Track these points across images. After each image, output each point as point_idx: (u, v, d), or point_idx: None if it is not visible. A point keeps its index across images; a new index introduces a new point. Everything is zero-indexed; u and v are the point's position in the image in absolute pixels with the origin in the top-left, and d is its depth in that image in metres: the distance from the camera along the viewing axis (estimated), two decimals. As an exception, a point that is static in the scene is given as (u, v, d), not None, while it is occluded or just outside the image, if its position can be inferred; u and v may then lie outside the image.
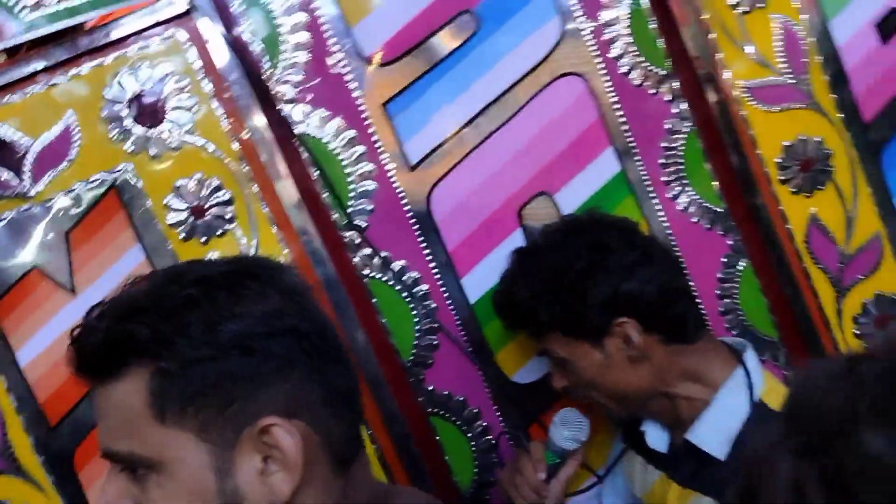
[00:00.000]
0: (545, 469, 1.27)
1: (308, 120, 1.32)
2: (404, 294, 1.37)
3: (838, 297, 1.51)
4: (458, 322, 1.39)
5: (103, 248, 1.27)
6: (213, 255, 1.29)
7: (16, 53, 1.25)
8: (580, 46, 1.40)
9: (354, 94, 1.33)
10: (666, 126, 1.44)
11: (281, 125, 1.31)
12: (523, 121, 1.39)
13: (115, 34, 1.25)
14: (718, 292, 1.48)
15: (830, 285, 1.50)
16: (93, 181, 1.26)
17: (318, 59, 1.32)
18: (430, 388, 1.39)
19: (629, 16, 1.41)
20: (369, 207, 1.35)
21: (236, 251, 1.30)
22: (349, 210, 1.34)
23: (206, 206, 1.29)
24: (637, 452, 1.35)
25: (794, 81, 1.47)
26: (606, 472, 1.38)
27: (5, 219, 1.25)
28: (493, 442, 1.42)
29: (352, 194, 1.34)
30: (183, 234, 1.28)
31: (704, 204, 1.46)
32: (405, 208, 1.36)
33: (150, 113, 1.27)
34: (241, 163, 1.30)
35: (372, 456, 1.36)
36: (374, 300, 1.36)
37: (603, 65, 1.41)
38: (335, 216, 1.34)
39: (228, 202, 1.29)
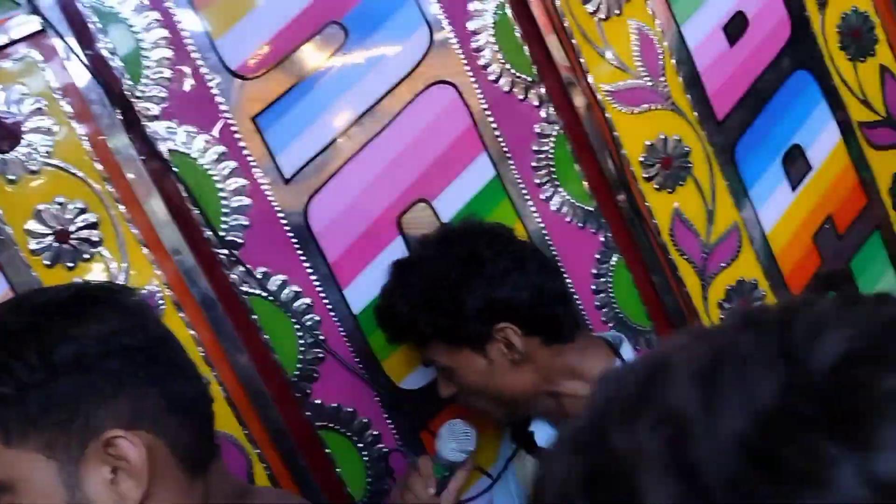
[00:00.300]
0: (435, 483, 1.27)
1: (175, 137, 1.28)
2: (285, 309, 1.34)
3: (703, 285, 1.58)
4: (343, 333, 1.38)
5: (-41, 279, 1.18)
6: (81, 279, 1.23)
7: None
8: (449, 55, 1.42)
9: (222, 109, 1.30)
10: (536, 130, 1.47)
11: (146, 143, 1.26)
12: (397, 130, 1.39)
13: (-38, 54, 1.17)
14: (594, 287, 1.52)
15: (696, 274, 1.57)
16: (-56, 210, 1.18)
17: (182, 74, 1.28)
18: (318, 401, 1.37)
19: (494, 24, 1.43)
20: (245, 223, 1.31)
21: (106, 275, 1.24)
22: (224, 226, 1.30)
23: (71, 230, 1.22)
24: (528, 453, 1.37)
25: (652, 84, 1.53)
26: (499, 475, 1.40)
27: None
28: (385, 451, 1.42)
29: (225, 210, 1.31)
30: (48, 261, 1.21)
31: (576, 203, 1.50)
32: (282, 222, 1.33)
33: (6, 136, 1.19)
34: (106, 183, 1.24)
35: (261, 474, 1.33)
36: (254, 317, 1.33)
37: (472, 73, 1.43)
38: (209, 234, 1.30)
39: (94, 225, 1.24)
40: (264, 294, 1.33)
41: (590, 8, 1.48)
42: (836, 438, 0.30)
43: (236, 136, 1.30)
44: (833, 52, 1.69)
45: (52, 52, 1.21)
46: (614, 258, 1.53)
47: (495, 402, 1.27)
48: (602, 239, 1.52)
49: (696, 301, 1.58)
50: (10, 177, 1.20)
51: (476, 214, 1.43)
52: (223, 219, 1.30)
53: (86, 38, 1.23)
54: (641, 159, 1.53)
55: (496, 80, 1.44)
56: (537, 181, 1.48)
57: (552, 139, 1.48)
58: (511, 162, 1.46)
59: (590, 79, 1.49)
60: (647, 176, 1.53)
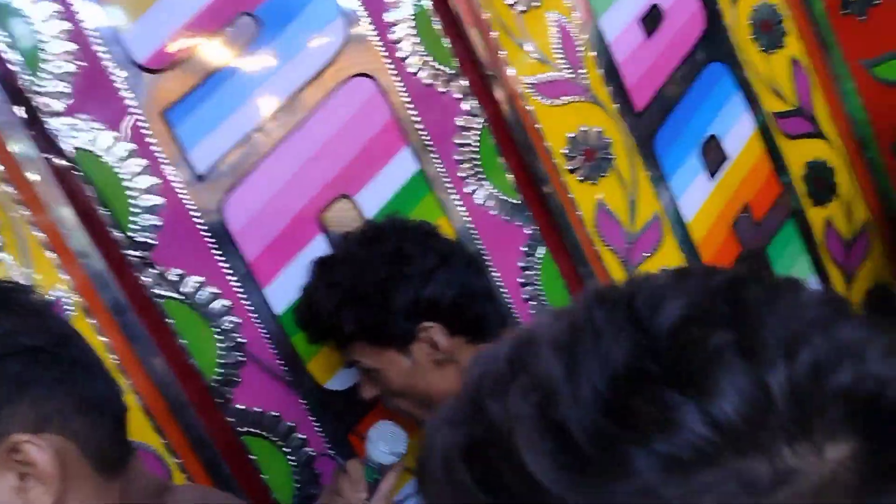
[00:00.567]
0: (366, 487, 1.23)
1: (79, 134, 1.20)
2: (203, 312, 1.28)
3: (628, 274, 1.58)
4: (266, 335, 1.32)
5: None
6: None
7: None
8: (367, 48, 1.38)
9: (129, 104, 1.22)
10: (458, 123, 1.45)
11: (49, 141, 1.18)
12: (316, 124, 1.34)
13: None
14: (521, 280, 1.50)
15: (621, 265, 1.57)
16: None
17: (86, 68, 1.20)
18: (241, 406, 1.31)
19: (413, 16, 1.40)
20: (157, 223, 1.25)
21: (6, 282, 1.15)
22: (134, 227, 1.23)
23: (-34, 235, 1.14)
24: None
25: (573, 76, 1.53)
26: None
27: None
28: (313, 454, 1.36)
29: (135, 210, 1.23)
30: (-59, 268, 1.12)
31: (501, 197, 1.48)
32: (197, 221, 1.27)
33: None
34: (6, 185, 1.15)
35: (181, 482, 1.26)
36: (169, 321, 1.26)
37: (392, 65, 1.39)
38: (118, 235, 1.23)
39: (-8, 229, 1.15)
40: (179, 297, 1.27)
41: (508, 0, 1.46)
42: (678, 388, 0.34)
43: (145, 132, 1.24)
44: (745, 45, 1.72)
45: (-60, 44, 1.12)
46: (541, 250, 1.52)
47: (418, 403, 1.23)
48: (528, 232, 1.51)
49: (621, 291, 1.57)
50: None
51: (400, 210, 1.39)
52: (133, 219, 1.23)
53: (-21, 32, 1.15)
54: (564, 151, 1.52)
55: (416, 73, 1.41)
56: (461, 175, 1.45)
57: (475, 132, 1.46)
58: (434, 156, 1.43)
59: (510, 71, 1.47)
60: (570, 168, 1.52)
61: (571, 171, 1.52)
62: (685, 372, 0.35)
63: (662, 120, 1.61)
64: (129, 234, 1.23)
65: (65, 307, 1.19)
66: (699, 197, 1.65)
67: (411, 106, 1.41)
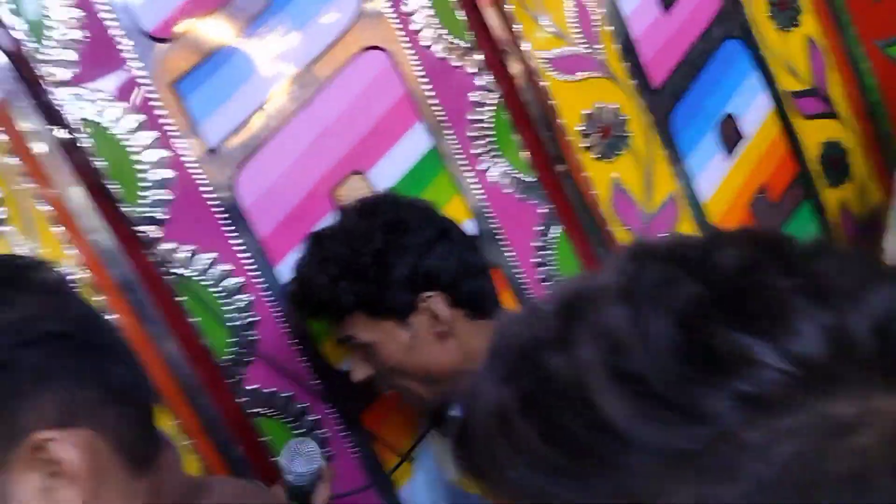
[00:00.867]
0: None
1: (86, 104, 1.15)
2: (215, 289, 1.23)
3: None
4: (278, 314, 1.28)
5: None
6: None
7: None
8: (380, 20, 1.33)
9: (138, 74, 1.18)
10: (473, 99, 1.40)
11: (54, 112, 1.14)
12: (328, 98, 1.30)
13: None
14: (536, 260, 1.46)
15: (637, 245, 1.53)
16: None
17: (93, 37, 1.15)
18: (253, 387, 1.27)
19: (427, -12, 1.35)
20: (167, 198, 1.20)
21: (12, 257, 1.11)
22: (143, 202, 1.19)
23: (-30, 209, 1.09)
24: (446, 437, 1.30)
25: (589, 51, 1.48)
26: (408, 452, 1.32)
27: None
28: (325, 436, 1.32)
29: (144, 185, 1.19)
30: (-57, 242, 1.08)
31: (515, 174, 1.44)
32: (208, 196, 1.23)
33: None
34: (10, 157, 1.11)
35: (194, 466, 1.22)
36: (180, 299, 1.22)
37: (406, 38, 1.35)
38: (127, 210, 1.18)
39: (-3, 202, 1.10)
40: (191, 274, 1.22)
41: (524, -27, 1.42)
42: (751, 330, 0.33)
43: (154, 103, 1.19)
44: (761, 22, 1.68)
45: (-59, 11, 1.08)
46: (556, 230, 1.47)
47: (418, 380, 1.18)
48: (543, 211, 1.46)
49: (637, 272, 1.53)
50: None
51: (413, 188, 1.35)
52: (142, 193, 1.19)
53: (-18, -1, 1.10)
54: (580, 129, 1.47)
55: (430, 47, 1.37)
56: (475, 152, 1.41)
57: (490, 108, 1.41)
58: (448, 132, 1.38)
59: (526, 46, 1.43)
60: (585, 145, 1.48)
61: (587, 149, 1.48)
62: (756, 315, 0.34)
63: (679, 97, 1.57)
64: (139, 208, 1.18)
65: (72, 284, 1.14)
66: (716, 176, 1.61)
67: (425, 80, 1.36)
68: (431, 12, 1.36)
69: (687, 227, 1.58)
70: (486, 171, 1.41)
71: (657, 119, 1.55)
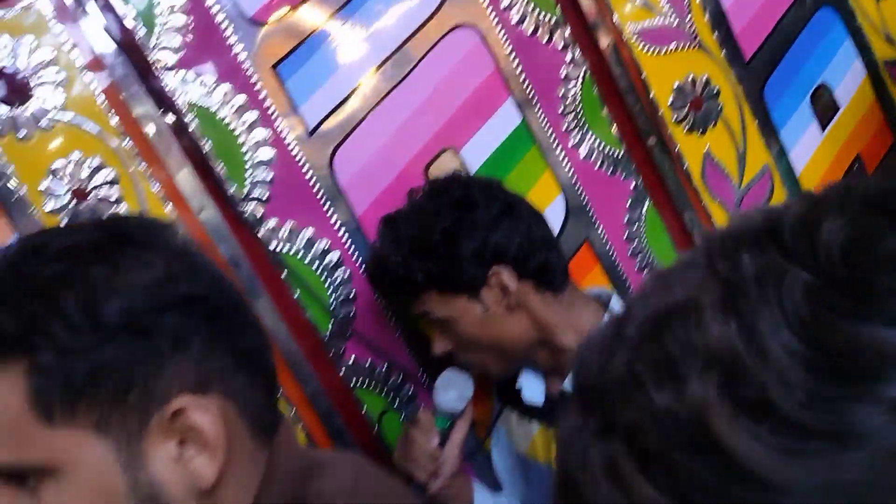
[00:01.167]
0: (437, 435, 1.21)
1: (193, 88, 1.19)
2: (315, 265, 1.26)
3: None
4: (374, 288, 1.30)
5: (-26, 243, 1.10)
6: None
7: None
8: (470, -2, 1.33)
9: (241, 58, 1.21)
10: (562, 74, 1.39)
11: (163, 95, 1.17)
12: (421, 77, 1.31)
13: (-37, 5, 1.08)
14: (627, 235, 1.44)
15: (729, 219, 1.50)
16: (-46, 171, 1.09)
17: (198, 22, 1.19)
18: (352, 359, 1.29)
19: (515, -36, 1.34)
20: (268, 177, 1.23)
21: (128, 235, 1.15)
22: (248, 181, 1.22)
23: (89, 189, 1.14)
24: (516, 409, 1.30)
25: (679, 22, 1.45)
26: (487, 432, 1.34)
27: None
28: (421, 406, 1.34)
29: (248, 164, 1.22)
30: (66, 221, 1.13)
31: (605, 149, 1.42)
32: (307, 175, 1.25)
33: (15, 90, 1.10)
34: (124, 139, 1.15)
35: (298, 435, 1.25)
36: (283, 275, 1.25)
37: (494, 15, 1.34)
38: (232, 189, 1.21)
39: (113, 182, 1.15)
40: (293, 251, 1.25)
41: (613, -55, 1.40)
42: (885, 315, 0.28)
43: (256, 86, 1.22)
44: (856, -11, 1.62)
45: (60, 1, 1.12)
46: (646, 205, 1.45)
47: (493, 352, 1.20)
48: (633, 186, 1.44)
49: (729, 246, 1.50)
50: (22, 133, 1.11)
51: (504, 164, 1.35)
52: (247, 173, 1.22)
53: (93, -12, 1.14)
54: (670, 102, 1.44)
55: (519, 23, 1.36)
56: (565, 127, 1.40)
57: (579, 83, 1.40)
58: (537, 107, 1.38)
59: (615, 18, 1.40)
60: (677, 118, 1.45)
61: (678, 122, 1.45)
62: (883, 297, 0.29)
63: (772, 68, 1.53)
64: (244, 187, 1.21)
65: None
66: (810, 148, 1.56)
67: (514, 56, 1.36)
68: (520, -12, 1.35)
69: (781, 200, 1.54)
70: (575, 145, 1.40)
71: (749, 90, 1.51)
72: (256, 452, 0.64)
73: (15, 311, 0.57)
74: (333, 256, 1.27)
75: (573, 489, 0.34)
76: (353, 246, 1.28)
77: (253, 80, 1.22)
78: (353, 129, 1.28)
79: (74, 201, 1.13)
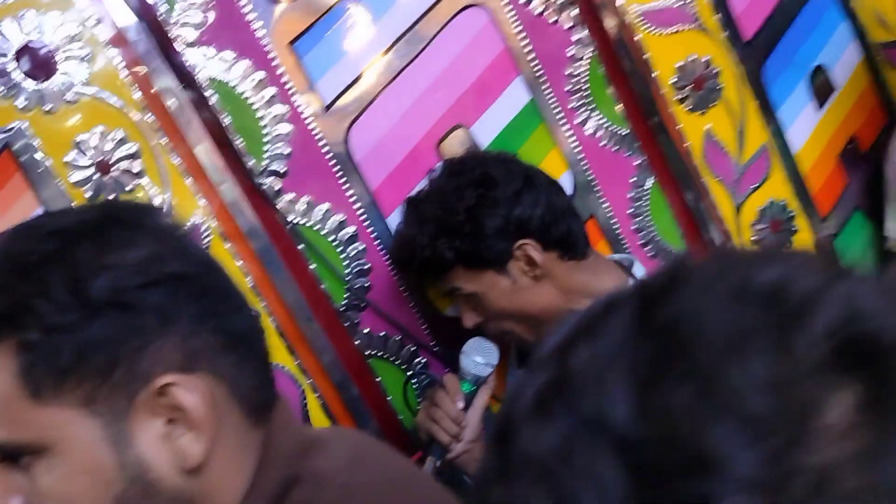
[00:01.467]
0: (463, 398, 1.24)
1: (213, 63, 1.21)
2: (331, 238, 1.29)
3: (736, 206, 1.54)
4: (388, 261, 1.33)
5: (1, 213, 1.12)
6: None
7: None
8: (480, -22, 1.36)
9: (259, 34, 1.23)
10: (569, 53, 1.42)
11: (184, 70, 1.20)
12: (432, 55, 1.34)
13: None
14: (630, 211, 1.48)
15: (728, 196, 1.54)
16: (-18, 143, 1.11)
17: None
18: (366, 330, 1.32)
19: (524, -55, 1.37)
20: (286, 151, 1.26)
21: (150, 206, 1.18)
22: (266, 155, 1.24)
23: (112, 161, 1.16)
24: None
25: (681, 4, 1.48)
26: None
27: None
28: (433, 377, 1.37)
29: (266, 139, 1.25)
30: (90, 193, 1.15)
31: (611, 127, 1.46)
32: (324, 150, 1.28)
33: (40, 65, 1.12)
34: (146, 113, 1.17)
35: (315, 404, 1.28)
36: (300, 247, 1.28)
37: (504, -5, 1.37)
38: (251, 163, 1.24)
39: (135, 155, 1.17)
40: (309, 223, 1.28)
41: (618, -72, 1.43)
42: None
43: (274, 62, 1.24)
44: (852, -28, 1.65)
45: (82, -22, 1.14)
46: (649, 182, 1.49)
47: (523, 322, 1.25)
48: (637, 163, 1.48)
49: (728, 222, 1.54)
50: (48, 107, 1.13)
51: (512, 141, 1.38)
52: (265, 147, 1.25)
53: (115, -34, 1.16)
54: (673, 81, 1.48)
55: (528, 3, 1.39)
56: (572, 105, 1.43)
57: (585, 62, 1.43)
58: (546, 86, 1.41)
59: (620, 0, 1.44)
60: (678, 98, 1.49)
61: (680, 101, 1.49)
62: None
63: (770, 49, 1.56)
64: (263, 161, 1.24)
65: (203, 232, 1.21)
66: (807, 128, 1.60)
67: (523, 36, 1.39)
68: (529, -31, 1.38)
69: (778, 178, 1.58)
70: (582, 123, 1.44)
71: (749, 71, 1.54)
72: (249, 433, 0.64)
73: (4, 292, 0.59)
74: (349, 230, 1.30)
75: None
76: (368, 220, 1.31)
77: (271, 56, 1.24)
78: (368, 105, 1.30)
79: (98, 174, 1.15)
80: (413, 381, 1.36)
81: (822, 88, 1.62)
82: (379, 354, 1.33)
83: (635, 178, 1.48)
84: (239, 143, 1.23)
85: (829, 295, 0.32)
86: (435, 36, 1.34)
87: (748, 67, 1.54)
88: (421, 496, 0.71)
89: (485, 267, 1.22)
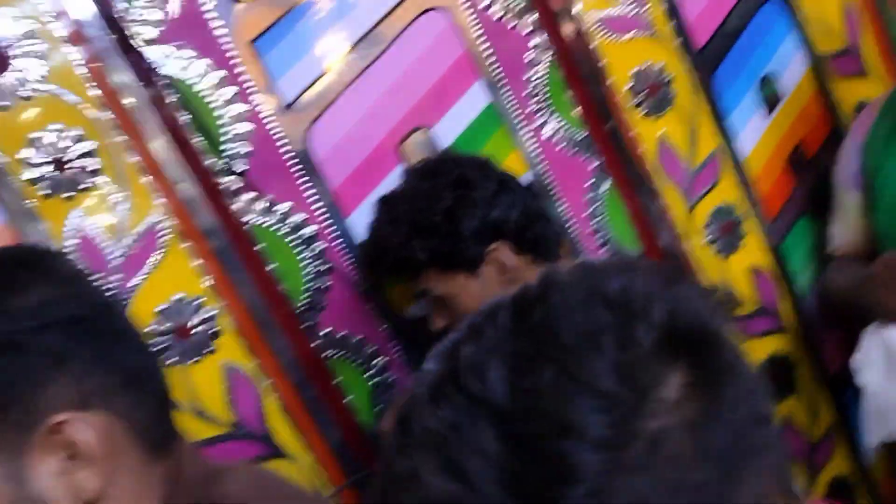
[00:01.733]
0: None
1: (172, 62, 1.20)
2: (291, 238, 1.29)
3: (689, 208, 1.58)
4: (348, 262, 1.33)
5: (-49, 211, 1.09)
6: (80, 210, 1.15)
7: None
8: (441, -19, 1.37)
9: (219, 32, 1.22)
10: (527, 58, 1.44)
11: (143, 68, 1.18)
12: (393, 56, 1.34)
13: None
14: (588, 213, 1.51)
15: (681, 199, 1.57)
16: (-70, 139, 1.08)
17: (176, -3, 1.20)
18: (326, 331, 1.32)
19: (484, -49, 1.39)
20: (246, 150, 1.25)
21: (106, 204, 1.16)
22: (225, 154, 1.24)
23: (68, 159, 1.14)
24: None
25: (636, 11, 1.52)
26: None
27: None
28: (393, 379, 1.38)
29: (226, 137, 1.24)
30: (45, 191, 1.13)
31: (568, 131, 1.48)
32: (283, 149, 1.28)
33: (-8, 60, 1.10)
34: (103, 110, 1.16)
35: (273, 406, 1.27)
36: (259, 247, 1.27)
37: (464, -1, 1.39)
38: (210, 162, 1.23)
39: (92, 153, 1.16)
40: (269, 223, 1.27)
41: (575, -64, 1.45)
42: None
43: (234, 61, 1.24)
44: (799, -16, 1.71)
45: (38, -28, 1.12)
46: (606, 184, 1.52)
47: None
48: (594, 166, 1.51)
49: (681, 225, 1.58)
50: (2, 103, 1.11)
51: (473, 143, 1.40)
52: (224, 146, 1.24)
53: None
54: (629, 87, 1.51)
55: (488, 8, 1.41)
56: (531, 109, 1.45)
57: (544, 67, 1.45)
58: (505, 89, 1.43)
59: (577, 7, 1.46)
60: (634, 103, 1.52)
61: (635, 107, 1.52)
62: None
63: (721, 57, 1.61)
64: (222, 160, 1.23)
65: (160, 231, 1.20)
66: (755, 134, 1.65)
67: (483, 40, 1.40)
68: (488, -26, 1.39)
69: (728, 183, 1.62)
70: (540, 127, 1.46)
71: (701, 78, 1.58)
72: (149, 466, 0.67)
73: None
74: (309, 230, 1.30)
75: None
76: (328, 220, 1.31)
77: (231, 54, 1.23)
78: (329, 105, 1.30)
79: (54, 171, 1.13)
80: (373, 381, 1.36)
81: (770, 96, 1.67)
82: (338, 355, 1.33)
83: (592, 181, 1.51)
84: (198, 141, 1.22)
85: (662, 297, 0.41)
86: (396, 38, 1.35)
87: (700, 75, 1.58)
88: None
89: (457, 269, 1.21)
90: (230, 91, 1.23)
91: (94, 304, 0.68)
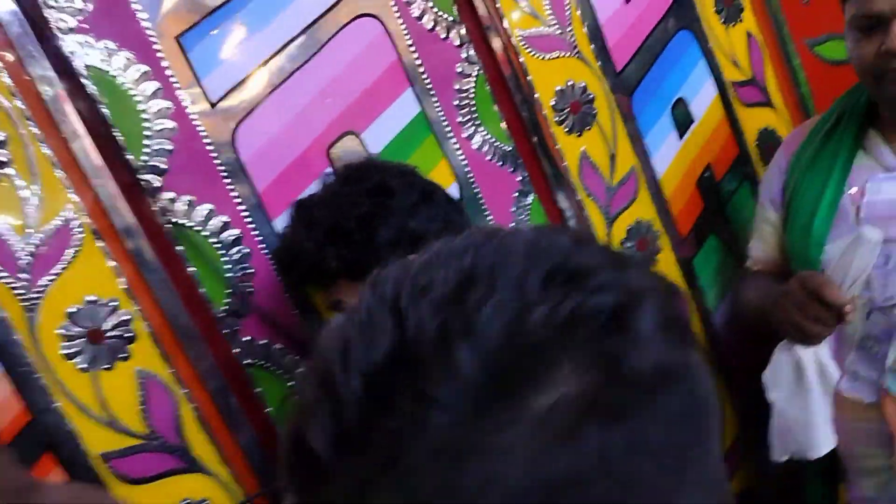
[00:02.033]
0: None
1: (92, 52, 1.14)
2: (213, 240, 1.24)
3: (608, 224, 1.62)
4: (274, 267, 1.29)
5: None
6: (-15, 205, 1.07)
7: None
8: (374, -11, 1.36)
9: (144, 25, 1.17)
10: (457, 69, 1.45)
11: (60, 58, 1.12)
12: (325, 60, 1.32)
13: None
14: (513, 224, 1.52)
15: (601, 214, 1.61)
16: None
17: (98, -15, 1.14)
18: (247, 338, 1.27)
19: (416, -38, 1.39)
20: (168, 147, 1.20)
21: (14, 198, 1.09)
22: (146, 151, 1.18)
23: (-27, 149, 1.06)
24: None
25: (561, 32, 1.55)
26: None
27: None
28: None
29: (147, 133, 1.18)
30: (-54, 181, 1.05)
31: (495, 143, 1.49)
32: (208, 148, 1.23)
33: None
34: (15, 99, 1.09)
35: (190, 415, 1.21)
36: (179, 248, 1.21)
37: (396, 8, 1.38)
38: (129, 157, 1.17)
39: (2, 144, 1.08)
40: (190, 224, 1.22)
41: (505, -46, 1.48)
42: None
43: (159, 55, 1.18)
44: (709, 16, 1.79)
45: (-53, -52, 1.05)
46: (530, 197, 1.54)
47: None
48: (519, 178, 1.52)
49: (601, 240, 1.61)
50: None
51: (402, 150, 1.39)
52: (146, 142, 1.18)
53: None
54: (553, 104, 1.54)
55: (420, 18, 1.41)
56: (460, 119, 1.46)
57: (473, 79, 1.46)
58: (435, 99, 1.43)
59: (505, 23, 1.49)
60: (558, 119, 1.55)
61: (559, 123, 1.55)
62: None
63: (639, 80, 1.66)
64: (142, 157, 1.17)
65: (73, 229, 1.12)
66: (669, 155, 1.71)
67: (414, 49, 1.40)
68: (420, -16, 1.40)
69: (644, 200, 1.67)
70: (469, 138, 1.46)
71: (620, 99, 1.63)
72: None
73: None
74: (233, 233, 1.25)
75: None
76: (253, 223, 1.27)
77: (155, 48, 1.18)
78: (257, 105, 1.27)
79: (-43, 160, 1.05)
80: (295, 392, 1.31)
81: (683, 119, 1.74)
82: (260, 363, 1.29)
83: (517, 193, 1.52)
84: (117, 136, 1.16)
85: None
86: (328, 41, 1.33)
87: (619, 96, 1.63)
88: None
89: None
90: (153, 86, 1.18)
91: None
